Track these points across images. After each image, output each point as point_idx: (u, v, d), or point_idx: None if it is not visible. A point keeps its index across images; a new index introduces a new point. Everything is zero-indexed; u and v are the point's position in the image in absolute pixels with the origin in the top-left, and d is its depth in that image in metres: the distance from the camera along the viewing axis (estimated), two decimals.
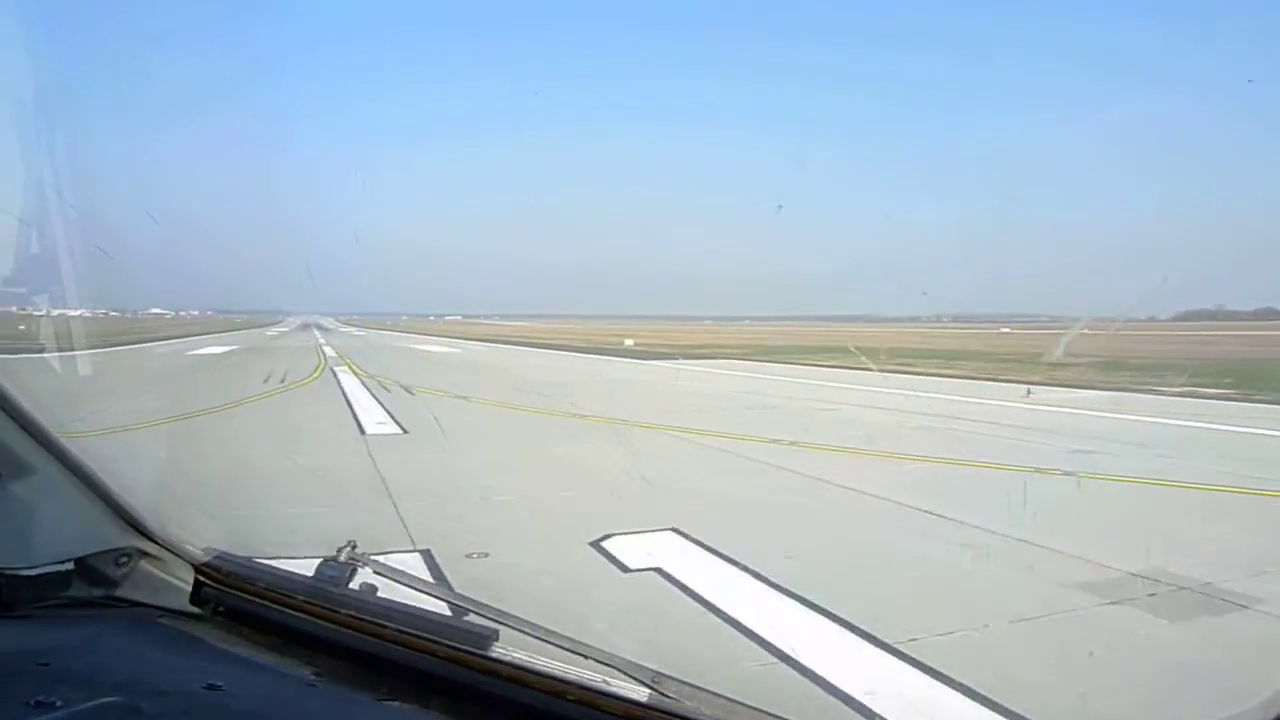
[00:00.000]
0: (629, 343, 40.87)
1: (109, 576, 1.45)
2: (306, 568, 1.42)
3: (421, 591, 1.40)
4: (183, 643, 1.37)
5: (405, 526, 5.40)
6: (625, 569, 4.64)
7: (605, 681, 1.14)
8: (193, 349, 30.08)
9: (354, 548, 1.43)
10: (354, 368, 21.02)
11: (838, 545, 5.40)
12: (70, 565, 1.39)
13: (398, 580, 1.40)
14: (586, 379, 20.26)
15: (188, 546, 1.52)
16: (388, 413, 11.61)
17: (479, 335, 58.22)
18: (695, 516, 5.81)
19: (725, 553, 4.88)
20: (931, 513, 5.96)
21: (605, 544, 5.08)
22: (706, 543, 5.09)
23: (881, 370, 23.32)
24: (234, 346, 32.29)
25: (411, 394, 14.83)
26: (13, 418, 1.31)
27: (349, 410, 11.92)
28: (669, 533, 5.35)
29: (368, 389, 15.18)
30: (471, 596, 1.38)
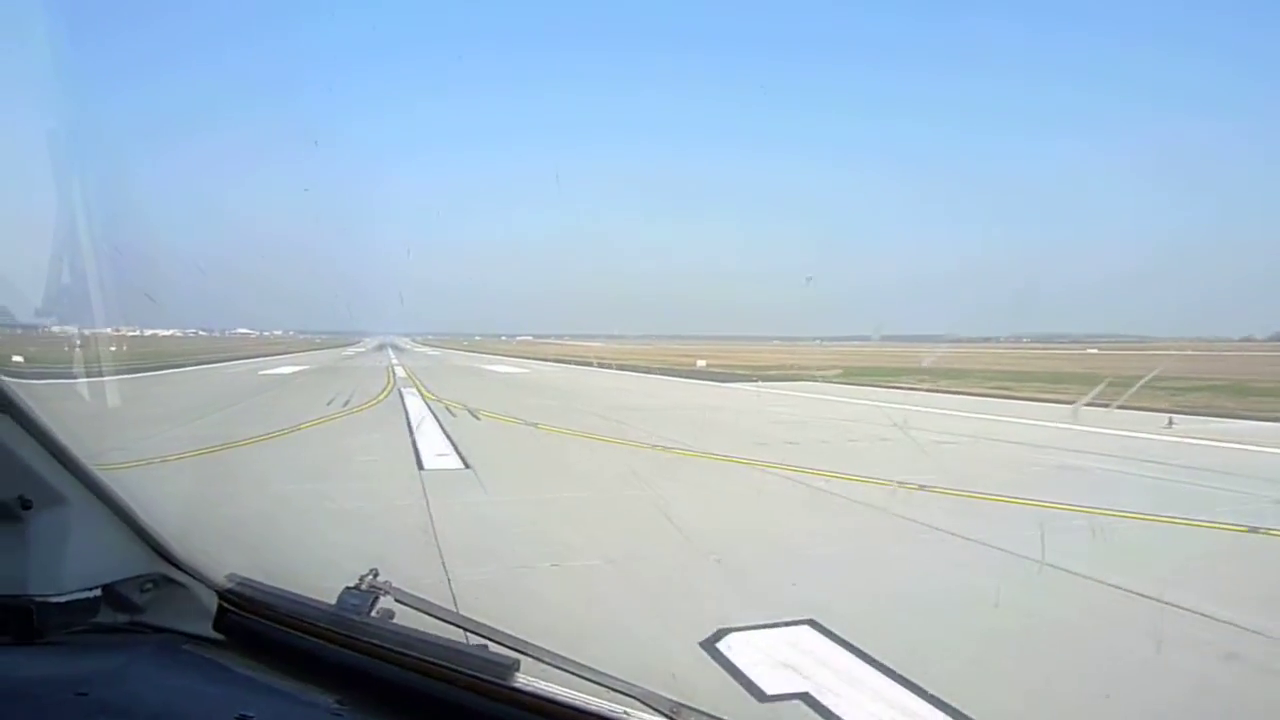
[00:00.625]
0: (701, 363, 39.44)
1: (135, 603, 1.47)
2: (328, 594, 1.39)
3: (443, 620, 1.36)
4: (208, 670, 1.38)
5: (456, 605, 4.15)
6: (760, 694, 3.24)
7: (626, 712, 1.14)
8: (266, 369, 30.25)
9: (375, 575, 1.41)
10: (422, 390, 20.28)
11: (1064, 662, 3.80)
12: (98, 592, 1.41)
13: (419, 609, 1.37)
14: (664, 403, 18.89)
15: (211, 573, 1.53)
16: (450, 442, 10.50)
17: (548, 355, 57.77)
18: (835, 599, 4.40)
19: (898, 671, 3.43)
20: (1172, 605, 4.34)
21: (722, 644, 3.70)
22: (865, 650, 3.65)
23: (982, 395, 21.28)
24: (306, 367, 32.37)
25: (477, 419, 13.80)
26: (44, 445, 1.31)
27: (409, 439, 10.86)
28: (805, 627, 3.94)
29: (433, 414, 14.23)
30: (492, 625, 1.32)
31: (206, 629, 1.49)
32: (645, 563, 5.22)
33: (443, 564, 4.95)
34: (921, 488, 7.66)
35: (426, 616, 1.36)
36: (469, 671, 1.20)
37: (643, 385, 25.69)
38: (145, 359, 35.53)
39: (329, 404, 15.67)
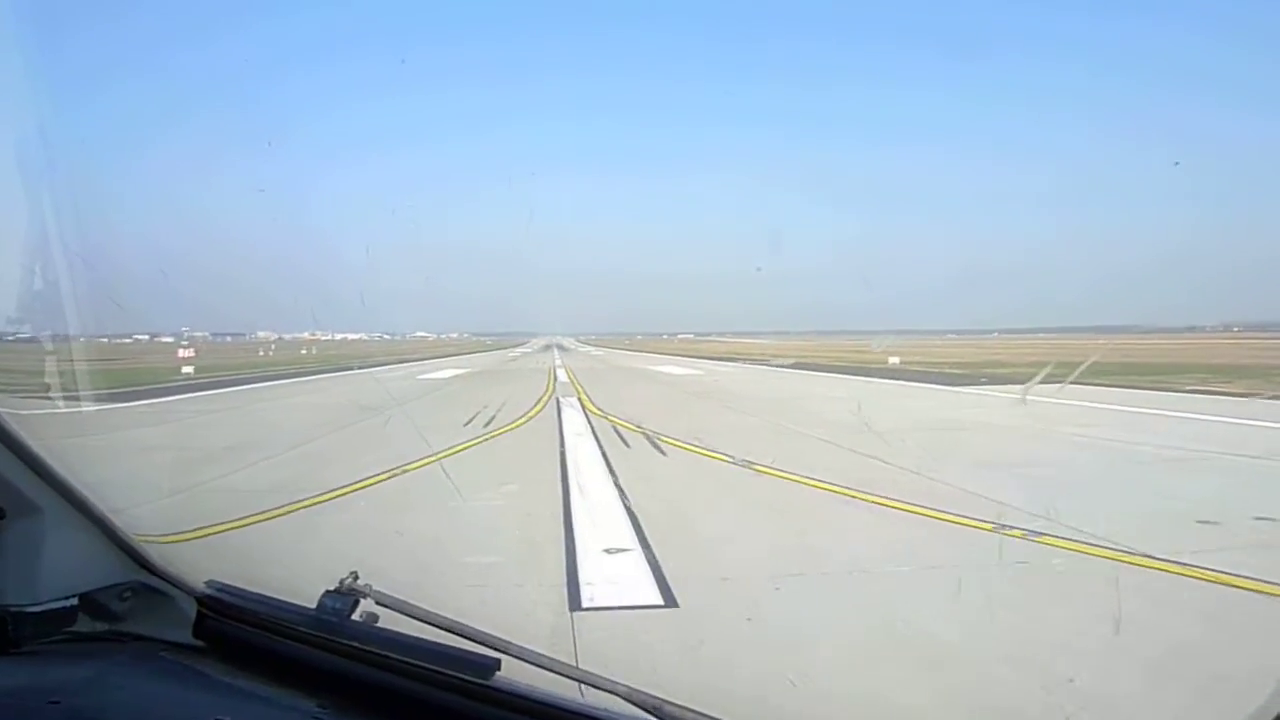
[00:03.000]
0: (894, 360, 33.36)
1: (112, 611, 1.44)
2: (308, 599, 1.33)
3: (424, 621, 1.30)
4: (187, 676, 1.35)
5: None
6: None
7: (607, 710, 1.11)
8: (426, 372, 28.27)
9: (355, 578, 1.36)
10: (585, 399, 16.46)
11: None
12: (75, 601, 1.37)
13: (400, 610, 1.32)
14: (901, 419, 13.38)
15: (189, 579, 1.49)
16: (630, 516, 6.02)
17: (714, 354, 53.59)
18: None
19: None
20: None
21: None
22: None
23: None
24: (465, 370, 30.17)
25: (661, 452, 9.48)
26: (18, 455, 1.27)
27: (560, 503, 6.56)
28: None
29: (598, 443, 10.09)
30: (473, 625, 1.26)
31: (186, 636, 1.44)
32: None
33: None
34: None
35: (408, 618, 1.31)
36: (451, 672, 1.17)
37: (850, 390, 20.27)
38: (325, 362, 35.34)
39: (467, 423, 12.06)
